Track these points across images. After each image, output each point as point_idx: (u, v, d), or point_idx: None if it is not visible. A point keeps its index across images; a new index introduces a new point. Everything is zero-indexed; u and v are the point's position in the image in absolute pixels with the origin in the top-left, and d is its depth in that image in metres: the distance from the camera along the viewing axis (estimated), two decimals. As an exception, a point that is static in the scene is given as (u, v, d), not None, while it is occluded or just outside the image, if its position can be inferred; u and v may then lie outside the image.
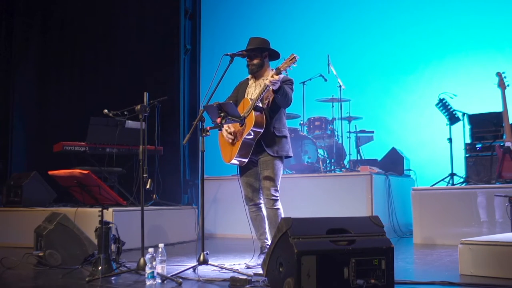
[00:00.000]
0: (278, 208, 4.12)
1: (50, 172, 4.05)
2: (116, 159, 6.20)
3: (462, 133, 6.29)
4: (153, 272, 3.37)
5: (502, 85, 5.81)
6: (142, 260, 3.69)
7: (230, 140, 4.15)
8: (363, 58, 8.42)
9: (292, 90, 4.14)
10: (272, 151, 4.12)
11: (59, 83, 8.33)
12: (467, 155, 6.20)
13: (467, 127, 6.31)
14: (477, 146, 6.15)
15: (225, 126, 4.08)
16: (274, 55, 4.29)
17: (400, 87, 8.37)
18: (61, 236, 4.33)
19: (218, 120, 3.86)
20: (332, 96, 7.17)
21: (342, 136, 7.27)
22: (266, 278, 3.17)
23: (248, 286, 3.25)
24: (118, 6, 8.07)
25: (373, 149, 7.54)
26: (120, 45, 7.98)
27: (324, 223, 3.06)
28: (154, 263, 3.38)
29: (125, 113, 4.61)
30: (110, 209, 5.11)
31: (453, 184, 6.13)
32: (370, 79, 8.40)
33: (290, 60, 3.88)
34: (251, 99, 4.12)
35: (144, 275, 3.47)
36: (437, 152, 7.04)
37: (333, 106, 7.24)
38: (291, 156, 4.37)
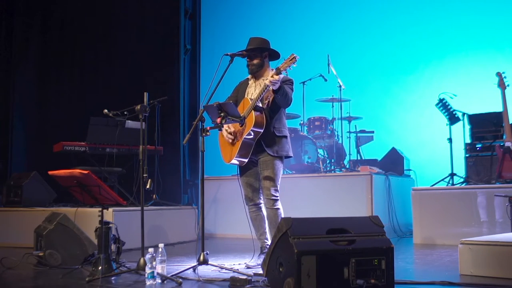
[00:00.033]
0: (278, 208, 4.13)
1: (50, 172, 4.05)
2: (116, 159, 6.20)
3: (462, 133, 6.29)
4: (153, 272, 3.37)
5: (502, 85, 5.81)
6: (142, 260, 3.69)
7: (230, 140, 4.16)
8: (363, 58, 8.42)
9: (292, 90, 4.14)
10: (272, 151, 4.12)
11: (59, 83, 8.33)
12: (467, 155, 6.20)
13: (467, 127, 6.31)
14: (477, 146, 6.15)
15: (225, 126, 4.09)
16: (274, 55, 4.29)
17: (400, 87, 8.37)
18: (61, 236, 4.33)
19: (218, 120, 3.86)
20: (332, 96, 7.17)
21: (342, 136, 7.27)
22: (266, 278, 3.17)
23: (248, 286, 3.25)
24: (118, 6, 8.07)
25: (373, 149, 7.54)
26: (120, 45, 7.98)
27: (324, 223, 3.06)
28: (154, 263, 3.38)
29: (125, 113, 4.61)
30: (110, 209, 5.11)
31: (453, 184, 6.13)
32: (370, 79, 8.40)
33: (290, 60, 3.88)
34: (251, 99, 4.12)
35: (144, 275, 3.47)
36: (437, 152, 7.04)
37: (333, 106, 7.24)
38: (291, 156, 4.37)
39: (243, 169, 4.28)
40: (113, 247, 3.80)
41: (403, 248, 5.44)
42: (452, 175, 6.19)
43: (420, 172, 7.39)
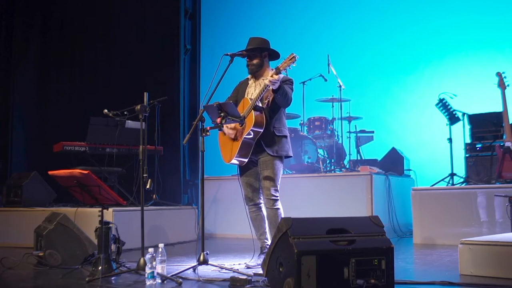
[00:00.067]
0: (278, 208, 4.12)
1: (50, 172, 4.05)
2: (116, 159, 6.20)
3: (462, 133, 6.29)
4: (153, 272, 3.37)
5: (502, 85, 5.81)
6: (142, 260, 3.69)
7: (232, 136, 4.14)
8: (363, 58, 8.42)
9: (292, 90, 4.14)
10: (272, 151, 4.12)
11: (59, 83, 8.33)
12: (467, 155, 6.20)
13: (467, 127, 6.31)
14: (477, 146, 6.15)
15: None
16: (274, 55, 4.29)
17: (400, 87, 8.37)
18: (61, 236, 4.33)
19: (218, 120, 3.87)
20: (332, 96, 7.17)
21: (342, 136, 7.27)
22: (266, 278, 3.17)
23: (248, 286, 3.25)
24: (118, 6, 8.07)
25: (373, 149, 7.54)
26: (120, 45, 7.97)
27: (324, 223, 3.06)
28: (154, 263, 3.38)
29: (125, 113, 4.62)
30: (110, 209, 5.11)
31: (453, 184, 6.13)
32: (370, 79, 8.40)
33: (290, 59, 3.88)
34: (250, 98, 4.12)
35: (144, 275, 3.47)
36: (437, 152, 7.04)
37: (333, 106, 7.24)
38: (291, 156, 4.37)
39: (243, 169, 4.28)
40: (113, 247, 3.80)
41: (403, 248, 5.44)
42: (452, 175, 6.19)
43: (420, 172, 7.39)
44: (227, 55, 4.06)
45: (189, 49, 7.90)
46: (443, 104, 6.33)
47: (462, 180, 6.12)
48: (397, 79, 8.39)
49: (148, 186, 3.91)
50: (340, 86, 7.04)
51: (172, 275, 3.59)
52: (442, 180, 6.20)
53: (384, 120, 8.16)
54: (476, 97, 7.13)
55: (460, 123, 6.32)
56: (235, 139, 4.13)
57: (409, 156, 7.44)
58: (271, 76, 3.89)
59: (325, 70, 7.10)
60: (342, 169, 6.93)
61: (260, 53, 4.21)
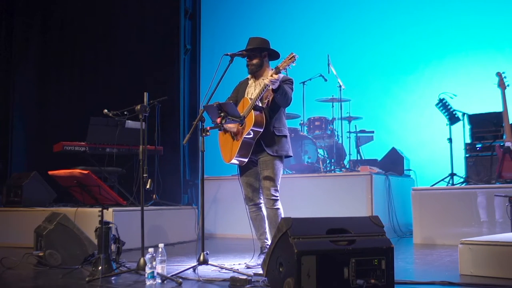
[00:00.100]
0: (278, 208, 4.12)
1: (50, 172, 4.05)
2: (116, 159, 6.20)
3: (462, 133, 6.29)
4: (153, 272, 3.37)
5: (502, 85, 5.81)
6: (142, 260, 3.69)
7: (234, 129, 4.12)
8: (363, 58, 8.42)
9: (292, 90, 4.14)
10: (272, 151, 4.11)
11: (59, 83, 8.33)
12: (467, 155, 6.20)
13: (467, 127, 6.32)
14: (477, 146, 6.15)
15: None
16: (274, 55, 4.29)
17: (400, 87, 8.37)
18: (61, 236, 4.33)
19: (218, 120, 3.87)
20: (332, 96, 7.17)
21: (342, 136, 7.27)
22: (266, 278, 3.17)
23: (248, 286, 3.25)
24: (118, 6, 8.07)
25: (373, 149, 7.54)
26: (120, 45, 7.97)
27: (324, 223, 3.06)
28: (154, 263, 3.38)
29: (125, 113, 4.62)
30: (110, 209, 5.11)
31: (453, 184, 6.13)
32: (370, 79, 8.40)
33: (289, 59, 3.88)
34: (250, 98, 4.11)
35: (144, 275, 3.47)
36: (437, 152, 7.04)
37: (333, 106, 7.24)
38: (291, 156, 4.37)
39: (243, 169, 4.28)
40: (113, 247, 3.80)
41: (403, 248, 5.44)
42: (452, 175, 6.19)
43: (420, 172, 7.39)
44: (227, 55, 4.06)
45: (189, 49, 7.90)
46: (443, 104, 6.33)
47: (462, 180, 6.12)
48: (397, 79, 8.39)
49: (148, 186, 3.91)
50: (340, 86, 7.04)
51: (172, 275, 3.59)
52: (442, 180, 6.20)
53: (384, 120, 8.16)
54: (476, 97, 7.13)
55: (460, 123, 6.32)
56: (236, 134, 4.12)
57: (409, 156, 7.44)
58: (271, 75, 3.89)
59: (325, 70, 7.11)
60: (342, 169, 6.93)
61: (260, 53, 4.21)
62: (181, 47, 7.68)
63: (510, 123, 5.75)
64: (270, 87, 3.93)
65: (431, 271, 3.95)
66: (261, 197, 4.24)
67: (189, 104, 7.82)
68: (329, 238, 2.95)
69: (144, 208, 3.96)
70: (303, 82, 7.27)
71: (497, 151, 5.67)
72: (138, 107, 3.96)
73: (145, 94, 4.07)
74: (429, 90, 7.63)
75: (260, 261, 4.06)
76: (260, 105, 4.09)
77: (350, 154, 7.19)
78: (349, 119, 7.23)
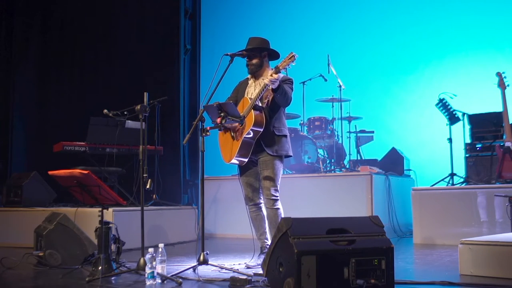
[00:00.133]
0: (278, 208, 4.12)
1: (50, 172, 4.05)
2: (116, 159, 6.20)
3: (462, 133, 6.30)
4: (153, 272, 3.37)
5: (502, 85, 5.81)
6: (142, 260, 3.69)
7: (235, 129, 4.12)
8: (363, 58, 8.42)
9: (292, 90, 4.14)
10: (272, 151, 4.11)
11: (59, 83, 8.33)
12: (467, 155, 6.20)
13: (467, 127, 6.32)
14: (477, 146, 6.15)
15: None
16: (274, 55, 4.29)
17: (400, 87, 8.37)
18: (61, 236, 4.33)
19: (218, 120, 3.87)
20: (332, 96, 7.17)
21: (342, 136, 7.27)
22: (266, 278, 3.17)
23: (248, 286, 3.25)
24: (118, 6, 8.07)
25: (373, 149, 7.54)
26: (120, 45, 7.98)
27: (324, 223, 3.06)
28: (154, 263, 3.38)
29: (125, 113, 4.62)
30: (110, 209, 5.11)
31: (453, 184, 6.13)
32: (370, 79, 8.40)
33: (289, 58, 3.88)
34: (250, 98, 4.11)
35: (144, 275, 3.47)
36: (437, 152, 7.04)
37: (333, 106, 7.24)
38: (291, 156, 4.37)
39: (243, 169, 4.28)
40: (113, 247, 3.80)
41: (403, 248, 5.44)
42: (452, 175, 6.19)
43: (420, 172, 7.39)
44: (227, 55, 4.06)
45: (189, 49, 7.90)
46: (443, 104, 6.33)
47: (462, 180, 6.12)
48: (397, 79, 8.39)
49: (148, 186, 3.91)
50: (340, 86, 7.04)
51: (172, 275, 3.59)
52: (442, 180, 6.20)
53: (384, 120, 8.16)
54: (476, 97, 7.13)
55: (460, 123, 6.32)
56: (236, 131, 4.12)
57: (409, 156, 7.44)
58: (271, 75, 3.89)
59: (325, 70, 7.11)
60: (342, 169, 6.93)
61: (259, 53, 4.21)
62: (181, 47, 7.68)
63: (510, 123, 5.75)
64: (270, 86, 3.93)
65: (431, 271, 3.95)
66: (261, 197, 4.24)
67: (189, 104, 7.82)
68: (329, 238, 2.95)
69: (144, 208, 3.96)
70: (303, 82, 7.27)
71: (497, 151, 5.67)
72: (138, 107, 3.96)
73: (145, 94, 4.07)
74: (429, 90, 7.63)
75: (260, 261, 4.06)
76: (260, 105, 4.09)
77: (350, 154, 7.19)
78: (349, 119, 7.23)
